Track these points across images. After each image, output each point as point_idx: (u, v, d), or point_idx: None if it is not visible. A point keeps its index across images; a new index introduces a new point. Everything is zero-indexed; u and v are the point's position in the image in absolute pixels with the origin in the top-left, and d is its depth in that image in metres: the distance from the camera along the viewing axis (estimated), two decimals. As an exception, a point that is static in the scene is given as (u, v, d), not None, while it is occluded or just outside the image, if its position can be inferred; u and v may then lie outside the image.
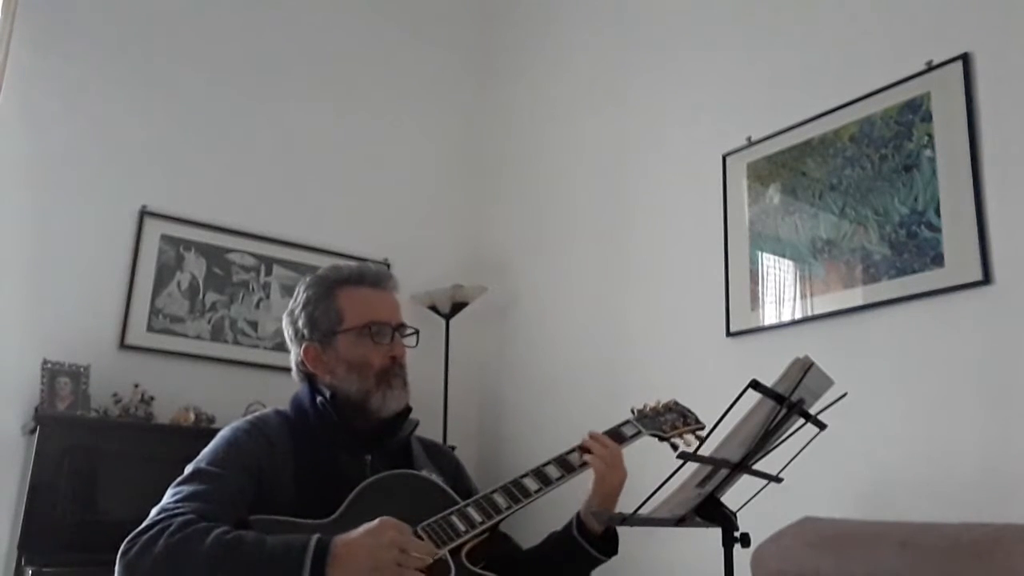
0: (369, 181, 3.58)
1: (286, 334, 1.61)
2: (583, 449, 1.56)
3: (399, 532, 1.26)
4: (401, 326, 1.56)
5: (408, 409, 1.57)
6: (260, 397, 2.96)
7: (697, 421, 1.74)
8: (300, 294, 1.59)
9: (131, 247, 2.99)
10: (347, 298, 1.54)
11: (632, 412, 1.71)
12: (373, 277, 1.58)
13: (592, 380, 2.99)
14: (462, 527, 1.37)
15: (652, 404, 1.74)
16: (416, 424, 1.60)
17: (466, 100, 3.92)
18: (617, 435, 1.62)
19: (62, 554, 2.40)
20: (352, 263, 1.64)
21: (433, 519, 1.37)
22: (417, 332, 1.61)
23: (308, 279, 1.61)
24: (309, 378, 1.56)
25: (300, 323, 1.56)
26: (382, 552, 1.22)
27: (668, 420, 1.71)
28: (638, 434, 1.65)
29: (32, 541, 2.43)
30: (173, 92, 3.18)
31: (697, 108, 2.81)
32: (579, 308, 3.13)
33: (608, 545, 1.55)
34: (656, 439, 1.68)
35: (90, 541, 2.41)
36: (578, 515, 1.56)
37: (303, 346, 1.55)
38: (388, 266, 3.45)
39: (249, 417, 1.52)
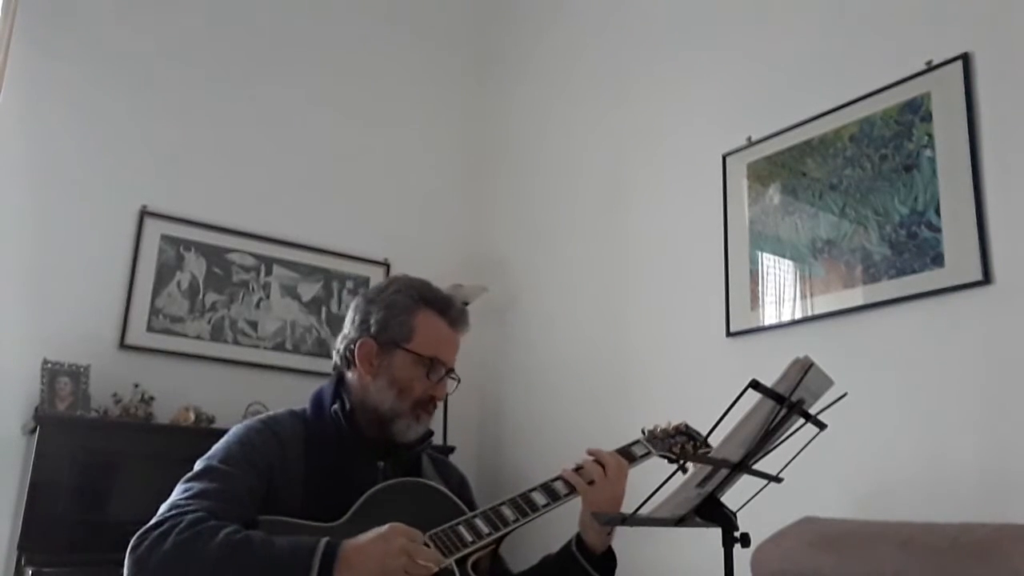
0: (369, 181, 3.58)
1: (350, 316, 1.57)
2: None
3: (409, 539, 1.26)
4: (452, 371, 1.57)
5: (430, 433, 1.59)
6: (260, 397, 2.97)
7: (706, 444, 1.74)
8: (389, 290, 1.56)
9: (131, 247, 3.00)
10: (425, 321, 1.53)
11: (643, 432, 1.72)
12: (456, 315, 1.57)
13: (592, 380, 2.99)
14: (469, 537, 1.37)
15: (663, 425, 1.75)
16: (431, 441, 1.60)
17: (466, 100, 3.92)
18: (627, 454, 1.62)
19: (62, 554, 2.40)
20: (445, 291, 1.62)
21: (440, 528, 1.37)
22: (459, 380, 1.60)
23: (401, 279, 1.59)
24: (340, 377, 1.56)
25: (373, 317, 1.53)
26: (391, 558, 1.22)
27: (678, 442, 1.72)
28: (648, 454, 1.66)
29: (32, 541, 2.43)
30: (173, 92, 3.18)
31: (697, 108, 2.81)
32: (579, 308, 3.13)
33: (606, 564, 1.55)
34: (666, 460, 1.68)
35: (90, 541, 2.42)
36: (578, 534, 1.55)
37: (362, 338, 1.52)
38: (388, 267, 3.46)
39: (262, 416, 1.52)
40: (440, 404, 3.36)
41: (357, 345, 1.52)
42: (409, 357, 1.51)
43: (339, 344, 1.57)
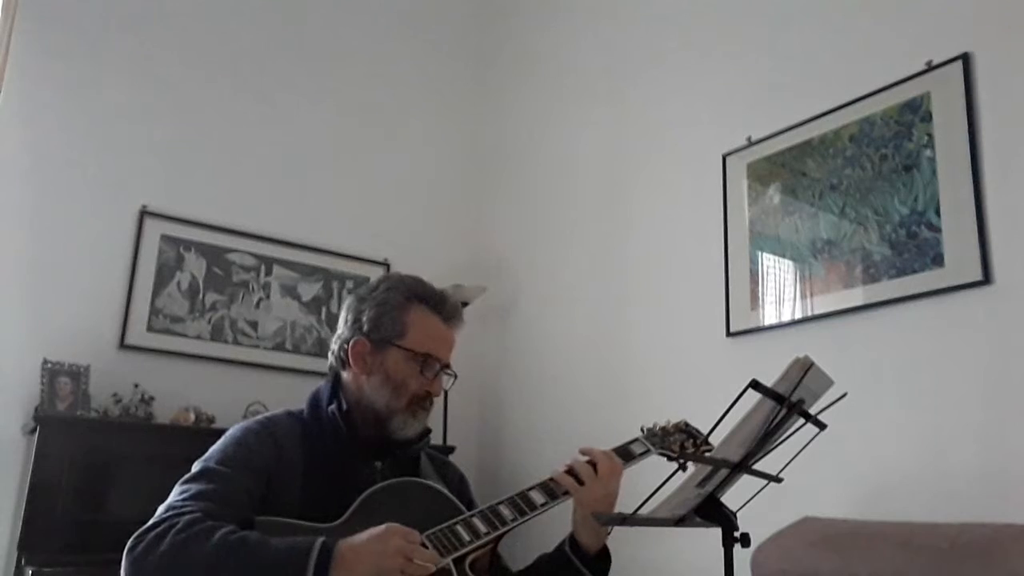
0: (369, 181, 3.58)
1: (343, 316, 1.58)
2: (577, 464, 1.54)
3: (405, 539, 1.26)
4: (447, 366, 1.57)
5: (427, 431, 1.58)
6: (260, 397, 2.97)
7: (706, 442, 1.74)
8: (380, 288, 1.56)
9: (131, 247, 2.99)
10: (417, 317, 1.53)
11: (641, 430, 1.70)
12: (449, 311, 1.57)
13: (592, 380, 2.99)
14: (467, 537, 1.37)
15: (662, 423, 1.74)
16: (428, 440, 1.60)
17: (466, 100, 3.92)
18: (626, 452, 1.61)
19: (62, 554, 2.40)
20: (438, 287, 1.62)
21: (438, 528, 1.37)
22: (456, 376, 1.59)
23: (393, 276, 1.60)
24: (336, 376, 1.55)
25: (365, 315, 1.53)
26: (387, 559, 1.22)
27: (677, 440, 1.71)
28: (647, 452, 1.65)
29: (32, 541, 2.43)
30: (173, 92, 3.18)
31: (697, 108, 2.81)
32: (579, 308, 3.13)
33: (601, 564, 1.54)
34: (665, 458, 1.68)
35: (90, 541, 2.42)
36: (572, 534, 1.55)
37: (355, 337, 1.53)
38: (388, 266, 3.46)
39: (260, 417, 1.52)
40: (440, 403, 3.37)
41: (351, 344, 1.52)
42: (402, 354, 1.51)
43: (333, 344, 1.57)
